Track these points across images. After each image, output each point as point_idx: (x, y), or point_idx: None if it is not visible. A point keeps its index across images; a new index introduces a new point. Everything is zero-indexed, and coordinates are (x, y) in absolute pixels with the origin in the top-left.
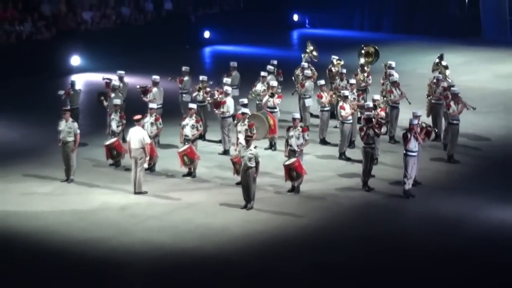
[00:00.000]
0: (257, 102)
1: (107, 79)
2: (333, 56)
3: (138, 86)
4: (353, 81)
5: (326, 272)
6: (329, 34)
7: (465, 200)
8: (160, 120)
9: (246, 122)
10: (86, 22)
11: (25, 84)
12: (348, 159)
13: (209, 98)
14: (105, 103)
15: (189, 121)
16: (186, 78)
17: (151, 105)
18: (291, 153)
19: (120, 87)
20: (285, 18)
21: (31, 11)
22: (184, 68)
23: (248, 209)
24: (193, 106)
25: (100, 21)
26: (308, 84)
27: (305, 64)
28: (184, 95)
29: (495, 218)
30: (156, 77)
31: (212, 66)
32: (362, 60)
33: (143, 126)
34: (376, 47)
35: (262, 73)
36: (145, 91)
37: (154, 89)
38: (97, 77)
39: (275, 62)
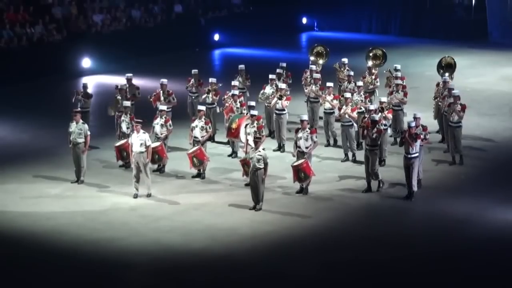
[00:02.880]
0: (266, 105)
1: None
2: (342, 59)
3: (149, 97)
4: (360, 83)
5: (334, 272)
6: (337, 37)
7: (471, 201)
8: (170, 122)
9: (255, 124)
10: (96, 25)
11: (36, 86)
12: (355, 161)
13: (225, 104)
14: (118, 107)
15: (198, 123)
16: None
17: (161, 107)
18: (300, 154)
19: (127, 89)
20: (294, 21)
21: (42, 14)
22: (193, 71)
23: (257, 210)
24: (202, 107)
25: (111, 24)
26: (316, 87)
27: (313, 67)
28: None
29: (501, 219)
30: (163, 80)
31: (221, 68)
32: (370, 63)
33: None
34: (384, 50)
35: (271, 76)
36: (158, 97)
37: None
38: (108, 79)
39: (284, 64)
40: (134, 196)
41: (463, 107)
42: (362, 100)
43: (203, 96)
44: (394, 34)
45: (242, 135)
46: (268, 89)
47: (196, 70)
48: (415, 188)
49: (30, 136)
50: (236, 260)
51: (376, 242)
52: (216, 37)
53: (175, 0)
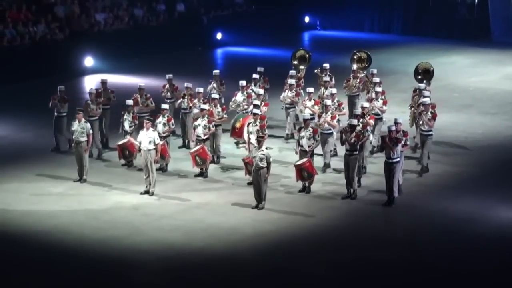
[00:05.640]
0: (237, 112)
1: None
2: (324, 64)
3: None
4: (334, 90)
5: (336, 271)
6: (339, 36)
7: (474, 199)
8: (172, 121)
9: (257, 123)
10: (99, 24)
11: (38, 85)
12: (333, 169)
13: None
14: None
15: (201, 122)
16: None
17: (163, 106)
18: (302, 153)
19: (101, 92)
20: (297, 20)
21: (45, 12)
22: (167, 76)
23: (259, 209)
24: (205, 107)
25: (113, 23)
26: (291, 92)
27: (293, 72)
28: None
29: (504, 218)
30: (141, 84)
31: (224, 67)
32: (354, 66)
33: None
34: (369, 53)
35: (241, 82)
36: (136, 102)
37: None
38: (110, 78)
39: (262, 69)
40: (142, 192)
41: (434, 116)
42: (336, 108)
43: (179, 101)
44: (397, 33)
45: (245, 134)
46: (239, 96)
47: (171, 75)
48: (395, 194)
49: (32, 134)
50: (238, 259)
51: (379, 241)
52: (219, 36)
53: None
